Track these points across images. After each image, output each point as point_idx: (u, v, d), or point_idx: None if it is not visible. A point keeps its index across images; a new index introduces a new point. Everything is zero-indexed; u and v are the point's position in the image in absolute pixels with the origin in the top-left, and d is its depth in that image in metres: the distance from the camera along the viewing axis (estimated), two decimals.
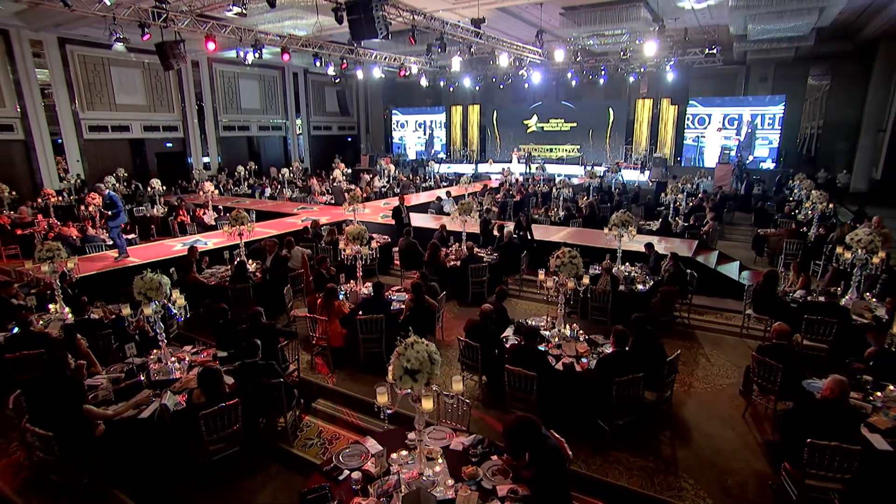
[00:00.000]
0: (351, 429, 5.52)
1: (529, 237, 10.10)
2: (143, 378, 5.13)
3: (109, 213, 9.92)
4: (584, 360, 5.47)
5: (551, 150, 23.92)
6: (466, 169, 24.07)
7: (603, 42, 17.61)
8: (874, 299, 7.00)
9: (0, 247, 11.81)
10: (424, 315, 6.78)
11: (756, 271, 10.32)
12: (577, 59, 17.61)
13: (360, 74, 20.77)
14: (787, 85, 21.36)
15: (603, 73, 19.42)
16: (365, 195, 16.86)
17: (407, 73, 19.15)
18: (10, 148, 17.54)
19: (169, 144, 22.68)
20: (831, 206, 10.78)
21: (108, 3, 9.64)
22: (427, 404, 3.36)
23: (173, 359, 5.33)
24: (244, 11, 10.08)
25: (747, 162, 19.45)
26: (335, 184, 18.32)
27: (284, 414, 5.10)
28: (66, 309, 6.84)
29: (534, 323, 6.33)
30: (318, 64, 15.97)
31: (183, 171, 22.57)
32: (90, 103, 19.42)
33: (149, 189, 15.18)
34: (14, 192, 14.74)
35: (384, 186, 18.25)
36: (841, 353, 6.33)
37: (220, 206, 14.55)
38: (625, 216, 8.06)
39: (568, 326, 6.05)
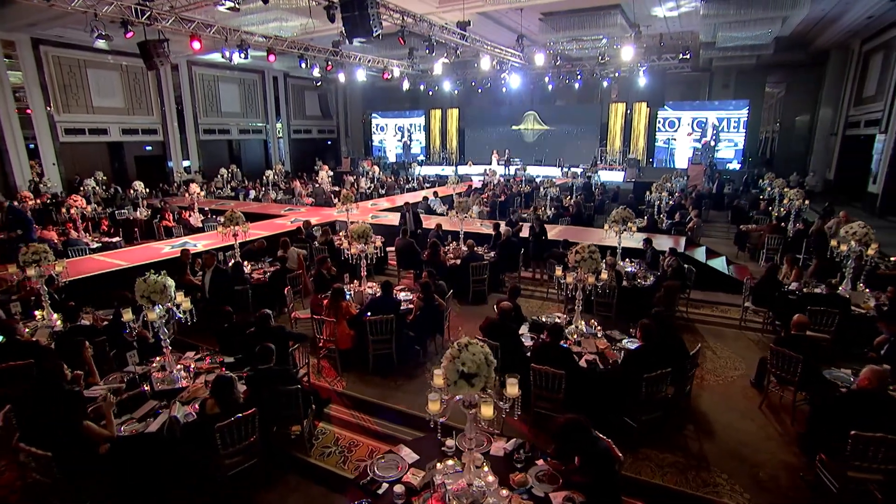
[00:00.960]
0: (369, 434, 5.07)
1: (544, 237, 9.74)
2: (147, 388, 4.57)
3: (16, 232, 9.18)
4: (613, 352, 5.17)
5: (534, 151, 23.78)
6: (447, 171, 23.74)
7: (581, 47, 17.51)
8: (867, 289, 6.94)
9: None
10: (434, 315, 6.39)
11: (740, 266, 10.30)
12: (557, 64, 17.44)
13: (341, 77, 20.13)
14: (746, 91, 21.74)
15: (579, 77, 19.34)
16: (348, 196, 16.30)
17: (389, 77, 18.68)
18: None
19: (148, 148, 21.60)
20: (807, 202, 10.81)
21: None
22: (487, 411, 2.96)
23: (178, 366, 4.78)
24: (238, 6, 9.46)
25: (714, 160, 19.68)
26: (318, 186, 17.72)
27: (301, 421, 4.62)
28: (55, 315, 6.17)
29: (547, 319, 6.01)
30: (303, 66, 15.36)
31: (162, 175, 21.53)
32: (66, 106, 18.29)
33: (130, 192, 14.26)
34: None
35: (369, 188, 17.69)
36: (842, 343, 6.25)
37: (207, 209, 13.76)
38: (625, 213, 7.84)
39: (583, 322, 5.75)
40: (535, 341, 5.31)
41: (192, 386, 4.58)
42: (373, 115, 28.24)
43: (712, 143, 19.87)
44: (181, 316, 4.62)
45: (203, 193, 14.52)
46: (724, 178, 17.31)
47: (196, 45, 12.15)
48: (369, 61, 17.69)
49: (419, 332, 6.38)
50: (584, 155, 22.43)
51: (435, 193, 15.17)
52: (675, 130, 21.02)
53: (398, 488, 3.26)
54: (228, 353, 5.30)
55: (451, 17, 14.50)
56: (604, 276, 5.53)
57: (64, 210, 11.95)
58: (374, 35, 9.02)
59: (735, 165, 20.19)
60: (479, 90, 21.77)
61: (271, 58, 14.23)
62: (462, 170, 23.71)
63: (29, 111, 17.33)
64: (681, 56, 15.78)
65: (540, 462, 3.58)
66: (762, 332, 7.31)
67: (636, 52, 15.81)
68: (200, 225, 12.71)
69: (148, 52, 11.65)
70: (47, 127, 17.70)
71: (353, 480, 3.46)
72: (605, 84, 19.82)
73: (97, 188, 15.13)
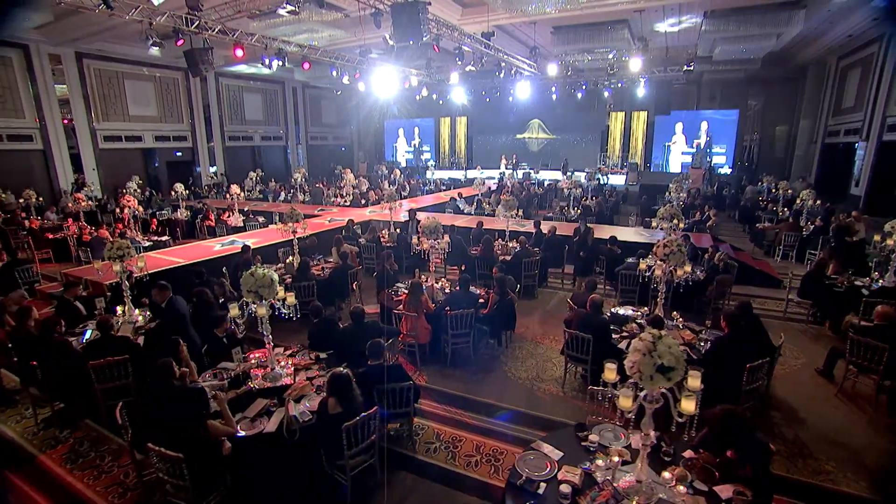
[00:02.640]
0: (468, 429, 4.65)
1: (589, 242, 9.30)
2: (252, 385, 4.09)
3: None
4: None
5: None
6: (457, 175, 23.32)
7: (586, 60, 17.18)
8: None
9: (34, 251, 10.17)
10: (508, 309, 5.96)
11: (759, 261, 10.01)
12: (568, 74, 17.10)
13: (361, 87, 19.54)
14: (731, 102, 21.62)
15: (583, 87, 19.02)
16: (377, 198, 15.84)
17: (408, 85, 18.22)
18: (29, 157, 15.76)
19: (178, 154, 20.86)
20: (818, 202, 10.58)
21: (157, 4, 8.30)
22: (689, 406, 2.56)
23: (282, 363, 4.29)
24: (297, 9, 8.94)
25: (713, 165, 19.57)
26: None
27: (412, 417, 4.17)
28: (136, 311, 5.64)
29: (622, 312, 5.63)
30: (334, 73, 14.81)
31: (191, 179, 20.82)
32: (105, 114, 17.60)
33: (171, 193, 13.63)
34: (41, 199, 12.94)
35: (395, 190, 17.18)
36: None
37: (246, 209, 13.17)
38: (672, 209, 7.49)
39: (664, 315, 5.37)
40: (632, 333, 4.91)
41: (297, 383, 4.09)
42: (386, 121, 27.67)
43: (706, 149, 19.68)
44: (285, 312, 4.14)
45: (242, 195, 13.87)
46: (723, 182, 17.11)
47: (239, 52, 11.60)
48: (391, 71, 17.12)
49: (494, 325, 5.96)
50: (587, 160, 22.14)
51: (459, 195, 14.72)
52: (671, 137, 20.80)
53: (564, 488, 2.87)
54: (320, 348, 4.82)
55: (469, 29, 14.09)
56: (687, 268, 5.15)
57: (118, 210, 11.29)
58: (424, 39, 8.55)
59: (726, 170, 20.04)
60: (488, 98, 21.29)
61: (306, 65, 13.71)
62: (471, 174, 23.32)
63: (69, 121, 16.69)
64: (685, 68, 15.50)
65: (689, 454, 3.19)
66: (806, 323, 7.00)
67: (643, 64, 15.52)
68: (241, 224, 12.13)
69: (194, 60, 11.10)
70: (88, 135, 17.01)
71: (510, 482, 3.02)
72: (606, 94, 19.49)
73: (137, 191, 14.44)
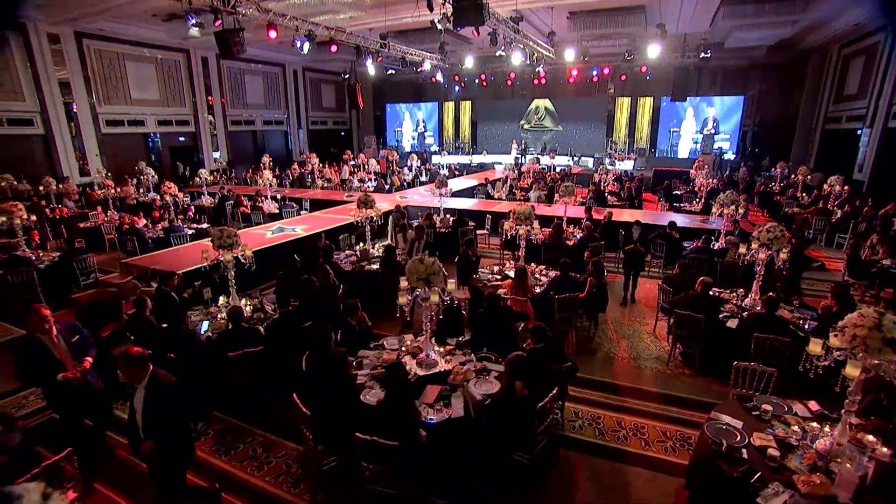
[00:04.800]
0: (600, 406, 4.91)
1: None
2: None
3: None
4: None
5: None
6: (465, 160, 23.36)
7: (609, 44, 17.37)
8: None
9: (65, 240, 9.85)
10: (603, 293, 6.20)
11: None
12: (585, 59, 17.27)
13: (371, 70, 19.26)
14: (731, 89, 22.21)
15: (595, 72, 19.24)
16: (398, 184, 15.81)
17: (422, 70, 18.10)
18: (30, 142, 15.08)
19: (181, 139, 20.23)
20: (847, 188, 11.13)
21: None
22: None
23: (437, 349, 4.42)
24: None
25: (721, 150, 20.14)
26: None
27: (564, 399, 4.38)
28: (244, 301, 5.64)
29: (720, 294, 5.95)
30: (358, 57, 14.58)
31: (194, 165, 20.24)
32: (107, 98, 16.89)
33: (197, 179, 13.29)
34: (61, 186, 12.44)
35: (414, 176, 17.16)
36: None
37: (277, 196, 12.98)
38: (732, 196, 7.82)
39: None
40: (750, 313, 5.21)
41: (456, 368, 4.23)
42: (388, 105, 27.38)
43: (713, 135, 20.23)
44: (447, 298, 4.26)
45: (273, 179, 13.51)
46: (733, 167, 17.70)
47: (272, 33, 11.33)
48: (411, 54, 16.95)
49: (590, 308, 6.19)
50: (591, 146, 22.49)
51: (486, 180, 14.83)
52: (677, 122, 21.28)
53: (773, 451, 3.13)
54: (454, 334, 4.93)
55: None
56: (785, 252, 5.46)
57: (158, 198, 10.99)
58: (484, 23, 8.58)
59: (730, 156, 20.68)
60: (501, 86, 21.34)
61: (333, 48, 13.46)
62: (477, 159, 23.43)
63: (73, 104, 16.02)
64: (701, 55, 15.85)
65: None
66: (862, 304, 7.46)
67: (662, 50, 15.77)
68: (276, 211, 11.98)
69: (226, 41, 10.81)
70: (90, 119, 16.32)
71: (718, 450, 3.24)
72: (621, 78, 19.73)
73: (153, 176, 14.01)
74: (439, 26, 10.29)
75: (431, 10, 9.41)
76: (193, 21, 9.82)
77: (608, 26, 16.12)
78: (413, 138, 26.98)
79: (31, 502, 1.57)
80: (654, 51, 15.51)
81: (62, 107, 15.49)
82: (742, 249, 5.70)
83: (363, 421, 3.54)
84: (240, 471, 4.10)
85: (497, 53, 13.85)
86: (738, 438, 3.35)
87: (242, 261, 5.50)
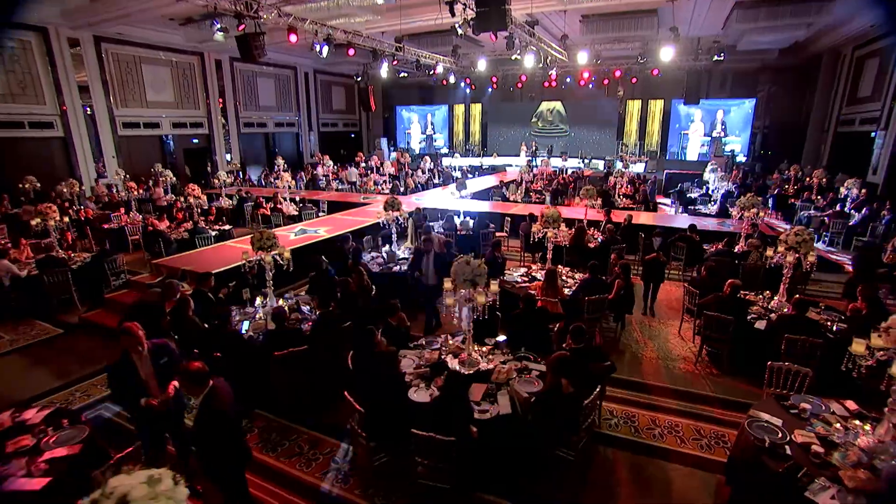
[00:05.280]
0: (633, 405, 5.03)
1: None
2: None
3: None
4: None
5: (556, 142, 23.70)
6: (476, 162, 23.48)
7: (622, 47, 17.51)
8: None
9: (93, 242, 10.06)
10: (630, 295, 6.33)
11: None
12: (598, 62, 17.41)
13: (384, 73, 19.47)
14: (741, 91, 22.27)
15: (606, 74, 19.35)
16: (412, 186, 15.97)
17: (435, 73, 18.30)
18: (50, 145, 15.27)
19: (195, 141, 20.47)
20: (864, 191, 11.22)
21: None
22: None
23: (477, 348, 4.56)
24: None
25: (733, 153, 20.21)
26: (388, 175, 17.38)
27: (602, 397, 4.51)
28: (280, 301, 5.80)
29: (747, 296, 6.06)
30: (375, 59, 14.77)
31: (209, 167, 20.50)
32: (123, 100, 17.14)
33: (215, 181, 13.50)
34: (83, 187, 12.68)
35: (427, 178, 17.32)
36: None
37: (296, 198, 13.15)
38: (753, 199, 7.93)
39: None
40: (780, 314, 5.33)
41: (498, 368, 4.37)
42: (398, 108, 27.59)
43: (722, 137, 20.31)
44: (490, 298, 4.40)
45: (293, 182, 13.68)
46: (745, 169, 17.78)
47: (293, 38, 11.53)
48: (425, 56, 17.13)
49: (618, 309, 6.32)
50: (601, 149, 22.60)
51: (501, 182, 14.96)
52: (687, 125, 21.38)
53: (817, 448, 3.26)
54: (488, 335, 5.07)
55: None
56: (813, 255, 5.57)
57: (181, 199, 11.19)
58: (506, 29, 8.73)
59: (741, 158, 20.74)
60: (512, 89, 21.50)
61: (351, 52, 13.66)
62: (487, 161, 23.55)
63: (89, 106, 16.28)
64: (715, 58, 15.96)
65: None
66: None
67: (675, 53, 15.88)
68: (296, 213, 12.15)
69: (248, 45, 11.04)
70: (108, 121, 16.58)
71: (761, 447, 3.37)
72: (632, 81, 19.83)
73: (173, 179, 14.23)
74: (460, 31, 10.42)
75: (453, 14, 9.56)
76: (219, 26, 10.00)
77: (620, 30, 16.21)
78: (422, 140, 27.16)
79: (166, 486, 1.71)
80: (666, 54, 15.63)
81: (81, 110, 15.77)
82: (769, 252, 5.81)
83: (415, 418, 3.68)
84: (288, 466, 4.25)
85: (513, 57, 14.05)
86: (780, 435, 3.48)
87: (280, 262, 5.66)
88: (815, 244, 5.47)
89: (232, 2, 10.04)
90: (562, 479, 3.92)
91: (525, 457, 3.89)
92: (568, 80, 20.03)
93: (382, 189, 15.31)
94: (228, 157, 21.72)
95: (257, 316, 5.60)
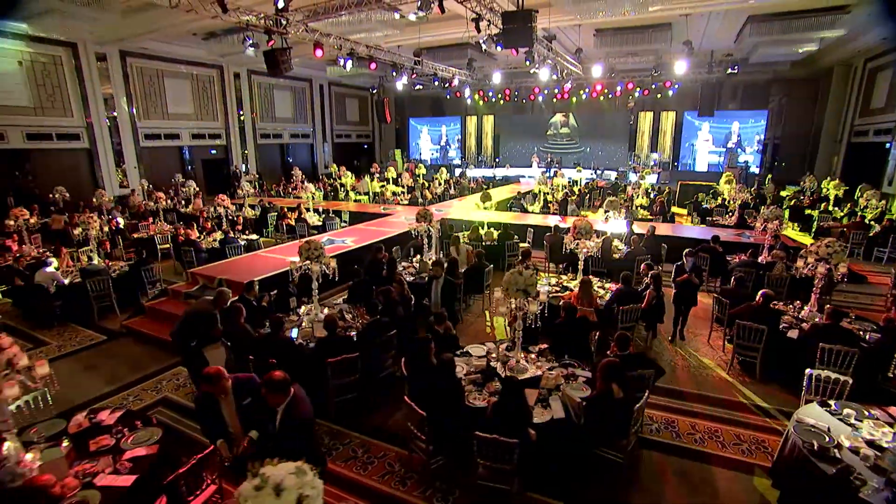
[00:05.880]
0: (670, 411, 5.18)
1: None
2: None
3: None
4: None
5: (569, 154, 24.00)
6: (486, 173, 23.78)
7: (628, 63, 17.82)
8: None
9: (123, 252, 10.35)
10: (661, 305, 6.50)
11: None
12: (612, 76, 17.73)
13: (399, 86, 19.87)
14: (752, 103, 22.52)
15: (619, 87, 19.67)
16: (430, 198, 16.23)
17: (451, 86, 18.67)
18: (76, 156, 15.75)
19: (213, 151, 20.92)
20: (883, 202, 11.37)
21: (281, 6, 8.51)
22: None
23: (525, 355, 4.76)
24: (426, 15, 9.25)
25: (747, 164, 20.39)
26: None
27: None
28: (326, 310, 6.02)
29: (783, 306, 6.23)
30: (394, 73, 15.14)
31: (225, 177, 20.91)
32: (146, 113, 17.62)
33: (240, 191, 13.83)
34: (112, 198, 13.04)
35: (444, 189, 17.61)
36: None
37: (321, 208, 13.44)
38: (777, 211, 8.11)
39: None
40: (814, 324, 5.50)
41: (545, 374, 4.56)
42: (411, 120, 28.04)
43: (737, 149, 20.52)
44: (540, 307, 4.60)
45: (316, 192, 14.00)
46: (760, 181, 17.97)
47: (319, 52, 11.91)
48: (443, 70, 17.51)
49: (650, 319, 6.49)
50: (613, 160, 22.86)
51: (519, 193, 15.21)
52: (695, 137, 21.64)
53: (867, 451, 3.41)
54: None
55: None
56: (844, 266, 5.74)
57: (211, 209, 11.50)
58: (531, 46, 9.02)
59: (754, 169, 20.93)
60: (524, 101, 21.86)
61: (373, 65, 14.03)
62: (500, 172, 23.86)
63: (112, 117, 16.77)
64: (728, 70, 16.24)
65: None
66: None
67: (688, 67, 16.16)
68: (320, 223, 12.43)
69: (275, 60, 11.35)
70: (131, 132, 17.03)
71: (811, 450, 3.52)
72: (635, 94, 20.14)
73: (197, 189, 14.59)
74: (484, 47, 10.73)
75: (479, 31, 9.89)
76: (251, 42, 10.35)
77: (634, 43, 16.48)
78: (436, 151, 27.54)
79: (309, 477, 1.92)
80: (680, 67, 15.91)
81: (106, 122, 16.23)
82: (800, 263, 5.98)
83: (473, 422, 3.87)
84: (346, 469, 4.43)
85: (531, 71, 14.36)
86: (828, 440, 3.64)
87: (326, 271, 5.89)
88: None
89: (263, 18, 10.44)
90: (612, 482, 4.08)
91: (577, 459, 4.06)
92: (584, 95, 20.43)
93: (401, 200, 15.57)
94: (244, 167, 22.14)
95: (303, 323, 5.83)
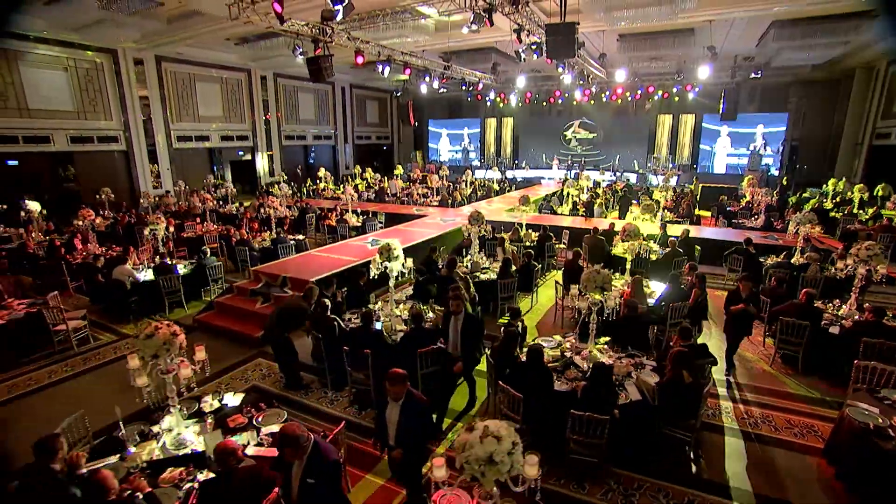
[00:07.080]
0: (722, 398, 5.72)
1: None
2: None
3: None
4: None
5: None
6: (507, 175, 24.25)
7: (660, 66, 18.29)
8: None
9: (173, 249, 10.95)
10: (705, 302, 7.02)
11: None
12: (634, 79, 18.23)
13: (423, 89, 20.46)
14: (770, 106, 22.92)
15: (640, 91, 20.16)
16: (459, 200, 16.78)
17: (473, 88, 19.26)
18: (113, 158, 16.49)
19: (241, 153, 21.60)
20: None
21: (339, 18, 9.09)
22: None
23: (587, 351, 5.32)
24: (478, 28, 9.77)
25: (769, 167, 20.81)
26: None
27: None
28: (401, 306, 6.59)
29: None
30: (427, 78, 15.71)
31: (253, 178, 21.62)
32: (178, 115, 18.30)
33: (278, 191, 14.45)
34: (156, 198, 13.70)
35: (472, 191, 18.18)
36: None
37: (358, 210, 14.01)
38: (810, 215, 8.61)
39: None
40: (857, 321, 6.02)
41: (616, 363, 5.10)
42: (430, 122, 28.63)
43: (761, 151, 20.94)
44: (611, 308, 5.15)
45: (354, 193, 14.60)
46: (782, 184, 18.43)
47: (360, 59, 12.51)
48: (467, 74, 18.09)
49: (695, 316, 7.01)
50: (634, 162, 23.33)
51: (547, 197, 15.75)
52: (714, 140, 22.11)
53: None
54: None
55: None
56: (884, 267, 6.25)
57: (261, 209, 12.11)
58: (575, 56, 9.56)
59: (774, 171, 21.36)
60: (545, 103, 22.40)
61: (407, 71, 14.62)
62: (521, 174, 24.39)
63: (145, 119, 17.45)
64: (752, 76, 16.70)
65: None
66: None
67: (711, 71, 16.63)
68: (359, 224, 12.99)
69: (318, 66, 11.92)
70: (164, 135, 17.72)
71: (867, 429, 4.05)
72: (663, 96, 20.62)
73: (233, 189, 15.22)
74: (524, 56, 11.29)
75: (521, 41, 10.45)
76: (300, 51, 10.97)
77: (657, 48, 16.94)
78: (456, 153, 28.11)
79: (517, 450, 2.49)
80: (704, 72, 16.37)
81: (142, 125, 16.92)
82: (840, 264, 6.50)
83: (561, 403, 4.44)
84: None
85: (561, 77, 14.92)
86: (882, 421, 4.17)
87: (403, 269, 6.47)
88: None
89: (311, 27, 11.06)
90: (682, 457, 4.63)
91: (652, 436, 4.61)
92: (604, 98, 20.97)
93: (431, 202, 16.14)
94: (266, 166, 22.80)
95: (381, 317, 6.41)
